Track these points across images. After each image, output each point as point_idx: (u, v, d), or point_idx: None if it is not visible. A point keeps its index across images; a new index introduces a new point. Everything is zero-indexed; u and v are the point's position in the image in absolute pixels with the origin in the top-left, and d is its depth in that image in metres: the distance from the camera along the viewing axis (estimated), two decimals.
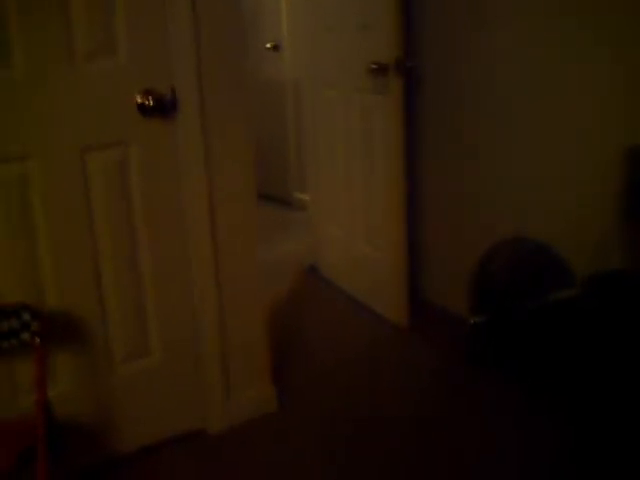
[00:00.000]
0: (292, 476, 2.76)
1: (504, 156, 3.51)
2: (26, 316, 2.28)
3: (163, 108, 2.66)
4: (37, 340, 2.26)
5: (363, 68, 3.62)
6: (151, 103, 2.61)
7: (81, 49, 2.49)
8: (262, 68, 6.22)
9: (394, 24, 3.43)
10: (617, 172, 2.87)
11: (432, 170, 3.98)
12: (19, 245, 2.51)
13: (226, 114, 2.78)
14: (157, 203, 2.74)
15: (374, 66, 3.52)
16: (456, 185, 3.84)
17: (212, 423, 3.01)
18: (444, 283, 4.04)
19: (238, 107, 2.81)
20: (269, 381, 3.16)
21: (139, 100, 2.61)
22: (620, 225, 2.97)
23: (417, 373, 3.44)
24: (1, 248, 2.48)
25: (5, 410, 2.53)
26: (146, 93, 2.61)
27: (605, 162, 3.00)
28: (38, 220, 2.53)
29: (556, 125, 3.21)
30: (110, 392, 2.79)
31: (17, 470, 2.09)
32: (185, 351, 2.92)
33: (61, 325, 2.64)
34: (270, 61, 6.15)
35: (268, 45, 6.08)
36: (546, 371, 3.11)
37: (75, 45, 2.48)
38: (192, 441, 2.96)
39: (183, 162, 2.75)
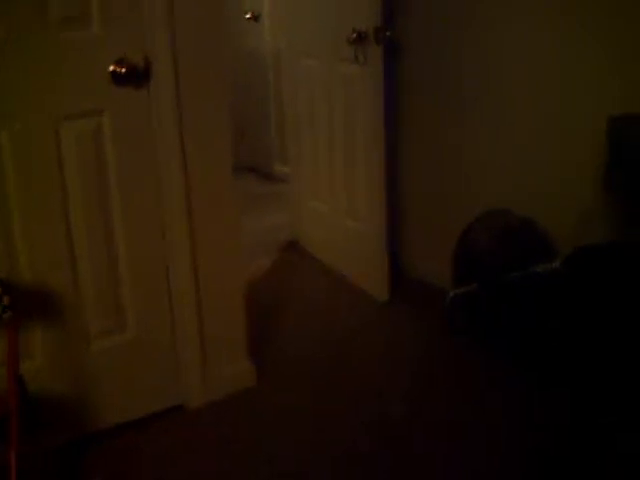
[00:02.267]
0: (271, 450, 2.74)
1: (486, 128, 3.48)
2: None
3: (136, 77, 2.61)
4: (8, 314, 2.21)
5: (343, 37, 3.55)
6: (124, 71, 2.56)
7: (55, 17, 2.43)
8: (242, 39, 6.14)
9: None
10: (599, 144, 2.85)
11: (414, 142, 3.94)
12: None
13: (201, 84, 2.74)
14: (132, 173, 2.69)
15: (353, 35, 3.47)
16: (438, 157, 3.80)
17: (190, 398, 2.98)
18: (425, 258, 4.02)
19: (214, 77, 2.77)
20: (248, 356, 3.13)
21: (112, 69, 2.56)
22: (601, 197, 2.95)
23: (399, 347, 3.43)
24: None
25: None
26: (119, 62, 2.56)
27: (587, 134, 2.99)
28: (10, 191, 2.47)
29: (540, 97, 3.19)
30: (85, 367, 2.75)
31: None
32: (161, 326, 2.88)
33: (34, 299, 2.59)
34: (250, 31, 6.08)
35: (248, 15, 6.00)
36: (527, 342, 3.10)
37: (48, 13, 2.42)
38: (170, 417, 2.93)
39: (158, 132, 2.70)
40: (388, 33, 3.47)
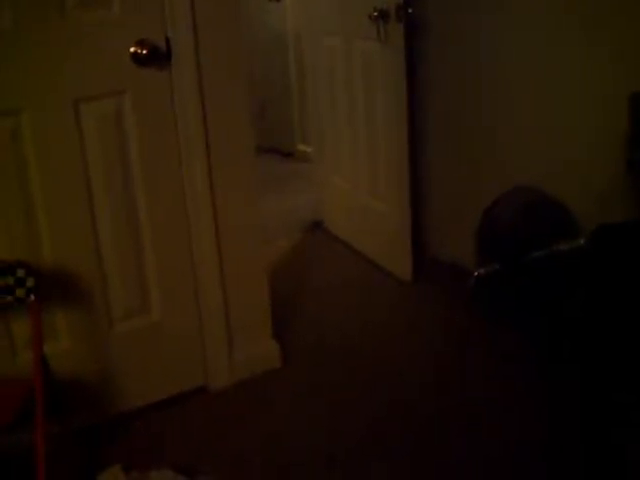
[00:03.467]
0: (297, 432, 2.74)
1: (507, 106, 3.44)
2: (21, 273, 2.24)
3: (158, 58, 2.60)
4: (32, 297, 2.23)
5: (364, 15, 3.52)
6: (145, 52, 2.55)
7: None
8: (263, 19, 6.11)
9: None
10: (622, 120, 2.81)
11: (436, 120, 3.91)
12: (14, 201, 2.47)
13: (222, 64, 2.72)
14: (154, 154, 2.69)
15: (375, 13, 3.44)
16: (459, 137, 3.77)
17: (215, 380, 2.99)
18: (449, 237, 3.99)
19: (235, 57, 2.76)
20: (272, 337, 3.13)
21: (133, 50, 2.55)
22: (624, 175, 2.91)
23: (422, 327, 3.41)
24: None
25: (3, 367, 2.51)
26: (140, 43, 2.56)
27: (610, 111, 2.94)
28: (32, 175, 2.49)
29: (561, 73, 3.15)
30: (110, 349, 2.76)
31: (14, 427, 2.08)
32: (186, 307, 2.89)
33: (58, 282, 2.60)
34: (272, 11, 6.05)
35: None
36: (551, 321, 3.07)
37: None
38: (195, 398, 2.93)
39: (179, 113, 2.69)
40: (410, 10, 3.43)
